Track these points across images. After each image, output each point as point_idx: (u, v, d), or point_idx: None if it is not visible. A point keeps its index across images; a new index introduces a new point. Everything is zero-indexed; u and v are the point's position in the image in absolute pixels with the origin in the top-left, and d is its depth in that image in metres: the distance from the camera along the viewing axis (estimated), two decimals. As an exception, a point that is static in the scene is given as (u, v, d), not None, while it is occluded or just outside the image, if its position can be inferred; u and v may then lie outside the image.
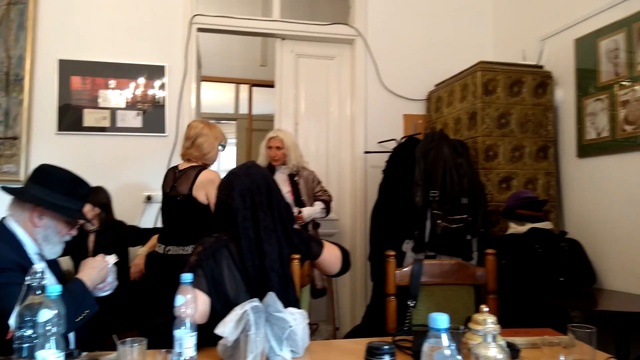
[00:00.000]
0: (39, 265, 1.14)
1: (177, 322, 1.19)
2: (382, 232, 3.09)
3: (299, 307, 1.48)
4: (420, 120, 3.86)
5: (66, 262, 2.61)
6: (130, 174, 3.37)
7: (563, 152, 3.19)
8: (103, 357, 1.29)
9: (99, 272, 1.55)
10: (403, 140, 3.39)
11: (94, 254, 1.83)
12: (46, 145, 3.25)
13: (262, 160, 3.21)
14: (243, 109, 6.40)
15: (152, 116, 3.43)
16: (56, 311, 1.04)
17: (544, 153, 3.16)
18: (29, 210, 1.52)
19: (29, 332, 1.06)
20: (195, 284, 1.36)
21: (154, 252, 2.57)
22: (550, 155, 3.18)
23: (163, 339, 1.21)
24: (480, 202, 2.86)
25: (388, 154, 3.33)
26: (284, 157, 3.19)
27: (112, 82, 3.37)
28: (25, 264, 1.43)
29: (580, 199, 3.05)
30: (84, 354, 1.30)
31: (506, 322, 1.85)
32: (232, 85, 6.33)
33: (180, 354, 1.16)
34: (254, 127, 5.97)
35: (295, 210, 3.07)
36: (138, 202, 3.37)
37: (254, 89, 5.87)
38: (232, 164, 5.97)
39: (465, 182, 2.84)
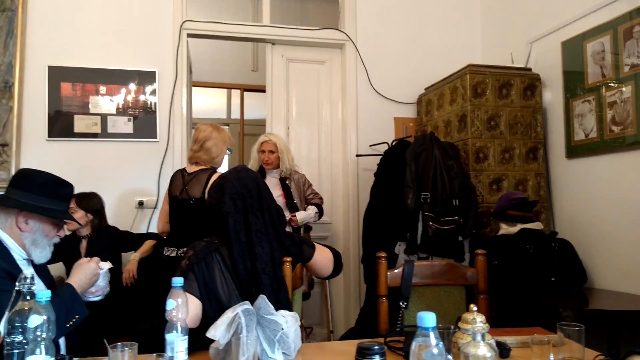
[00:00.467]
0: (28, 271, 1.14)
1: (169, 326, 1.19)
2: (375, 235, 3.10)
3: (291, 310, 1.48)
4: (411, 123, 3.89)
5: (59, 269, 2.61)
6: (122, 180, 3.36)
7: (552, 153, 3.22)
8: (94, 362, 1.29)
9: (90, 277, 1.54)
10: (394, 143, 3.41)
11: None
12: (37, 152, 3.24)
13: (253, 164, 3.22)
14: (235, 114, 6.40)
15: (143, 122, 3.43)
16: (46, 317, 1.04)
17: (534, 154, 3.20)
18: (14, 216, 1.51)
19: (19, 338, 1.06)
20: (186, 287, 1.36)
21: (164, 257, 2.54)
22: (539, 156, 3.21)
23: (155, 343, 1.21)
24: (471, 203, 2.88)
25: (379, 157, 3.35)
26: (277, 161, 3.20)
27: (102, 88, 3.37)
28: (13, 271, 1.42)
29: (570, 199, 3.08)
30: (75, 359, 1.29)
31: (499, 322, 1.87)
32: (224, 91, 6.34)
33: (171, 358, 1.17)
34: (246, 132, 5.98)
35: (289, 214, 3.08)
36: (130, 208, 3.36)
37: (246, 93, 5.88)
38: (225, 169, 5.96)
39: (456, 184, 2.86)
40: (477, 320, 1.16)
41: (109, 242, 2.79)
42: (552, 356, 1.27)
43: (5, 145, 3.20)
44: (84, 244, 2.77)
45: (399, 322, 1.75)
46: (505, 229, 2.81)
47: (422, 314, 0.85)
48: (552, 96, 3.21)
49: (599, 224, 2.83)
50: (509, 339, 1.43)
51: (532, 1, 3.41)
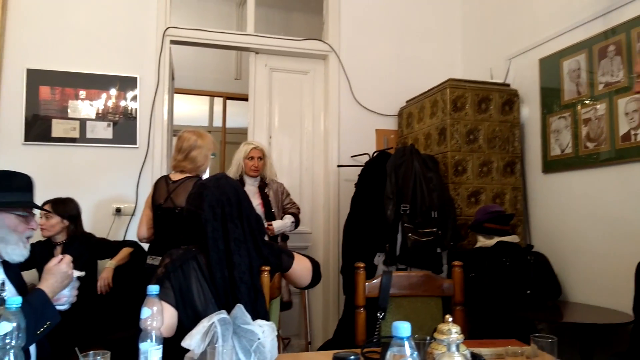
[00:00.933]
0: (-2, 277, 1.11)
1: (143, 335, 1.17)
2: (354, 246, 3.11)
3: (268, 320, 1.47)
4: (392, 135, 3.93)
5: (34, 276, 2.54)
6: (99, 186, 3.31)
7: (529, 168, 3.28)
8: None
9: (62, 280, 1.48)
10: (375, 154, 3.44)
11: None
12: (12, 156, 3.17)
13: (234, 172, 3.20)
14: (217, 122, 6.38)
15: (123, 127, 3.39)
16: (16, 324, 1.02)
17: (511, 168, 3.25)
18: None
19: (-13, 345, 1.03)
20: (162, 296, 1.34)
21: (147, 265, 2.50)
22: (517, 170, 3.27)
23: (129, 353, 1.19)
24: (450, 215, 2.91)
25: (360, 168, 3.37)
26: (263, 167, 3.21)
27: (82, 93, 3.32)
28: None
29: (545, 213, 3.13)
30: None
31: (475, 334, 1.88)
32: (207, 98, 6.32)
33: (145, 368, 1.15)
34: (228, 140, 5.96)
35: (265, 223, 3.07)
36: (107, 215, 3.31)
37: (228, 102, 5.87)
38: (206, 176, 5.92)
39: (435, 196, 2.89)
40: (452, 331, 1.17)
41: (84, 249, 2.74)
42: (525, 367, 1.29)
43: (-21, 148, 3.13)
44: (58, 250, 2.71)
45: (376, 333, 1.75)
46: (482, 241, 2.85)
47: (397, 323, 0.85)
48: (530, 112, 3.29)
49: (573, 238, 2.89)
50: (484, 351, 1.44)
51: (512, 19, 3.49)
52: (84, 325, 2.41)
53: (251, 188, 3.17)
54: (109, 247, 2.86)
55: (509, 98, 3.29)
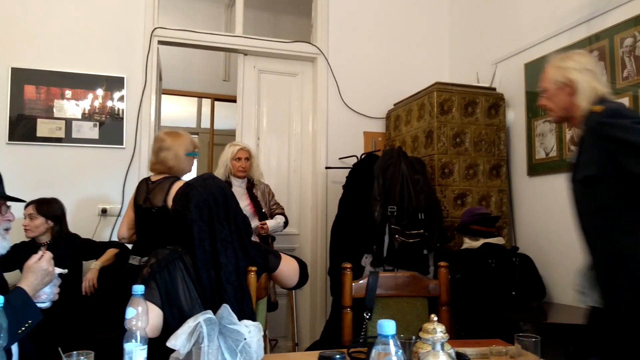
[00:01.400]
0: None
1: (127, 335, 1.16)
2: (342, 247, 3.12)
3: (254, 320, 1.47)
4: (380, 137, 3.95)
5: (17, 278, 2.51)
6: (85, 186, 3.28)
7: (514, 171, 3.32)
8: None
9: (42, 277, 1.44)
10: (363, 156, 3.45)
11: None
12: (-5, 156, 3.13)
13: (222, 173, 3.19)
14: (205, 124, 6.36)
15: (110, 128, 3.36)
16: (-4, 323, 1.01)
17: (497, 171, 3.29)
18: None
19: (-32, 346, 1.01)
20: (147, 296, 1.33)
21: (129, 265, 2.49)
22: (502, 173, 3.31)
23: (114, 353, 1.18)
24: (437, 217, 2.93)
25: (348, 170, 3.38)
26: (250, 168, 3.21)
27: (68, 92, 3.29)
28: None
29: (530, 215, 3.17)
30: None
31: (461, 334, 1.90)
32: (195, 99, 6.29)
33: (130, 368, 1.14)
34: (216, 141, 5.94)
35: (258, 223, 3.07)
36: (93, 215, 3.27)
37: (216, 103, 5.85)
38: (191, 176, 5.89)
39: (422, 198, 2.92)
40: (437, 330, 1.18)
41: (69, 249, 2.71)
42: (509, 366, 1.31)
43: (-39, 147, 3.08)
44: (43, 251, 2.68)
45: (362, 333, 1.76)
46: (468, 243, 2.88)
47: (382, 321, 0.86)
48: (515, 115, 3.33)
49: (557, 240, 2.93)
50: (468, 350, 1.46)
51: (498, 24, 3.54)
52: (67, 325, 2.39)
53: (239, 189, 3.17)
54: (94, 248, 2.83)
55: (495, 102, 3.33)
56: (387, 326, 0.86)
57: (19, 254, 2.48)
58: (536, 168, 3.11)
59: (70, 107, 3.29)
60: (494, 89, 3.41)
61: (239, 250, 1.56)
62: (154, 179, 2.51)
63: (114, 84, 3.38)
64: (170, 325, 1.38)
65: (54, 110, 3.26)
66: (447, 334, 1.20)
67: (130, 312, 1.17)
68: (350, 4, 4.00)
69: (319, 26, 3.94)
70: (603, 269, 1.64)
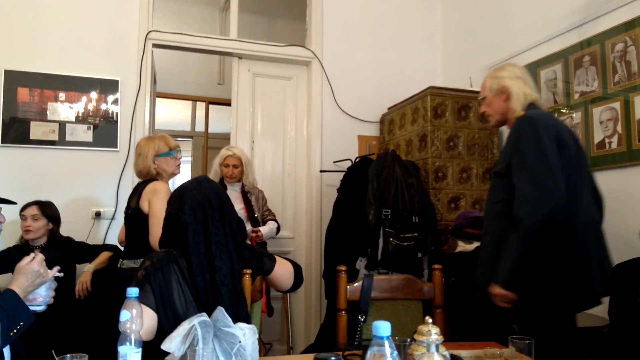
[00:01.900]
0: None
1: (122, 337, 1.16)
2: (337, 250, 3.12)
3: (249, 323, 1.47)
4: (374, 141, 3.96)
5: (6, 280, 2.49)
6: (78, 189, 3.26)
7: (508, 174, 3.34)
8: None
9: (33, 279, 1.42)
10: (357, 160, 3.46)
11: None
12: (-12, 159, 3.11)
13: (213, 176, 3.20)
14: (199, 127, 6.34)
15: (104, 131, 3.35)
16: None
17: (490, 175, 3.30)
18: None
19: (-40, 349, 1.00)
20: (141, 299, 1.33)
21: (117, 268, 2.50)
22: (496, 176, 3.32)
23: (108, 356, 1.18)
24: (431, 220, 2.95)
25: (343, 173, 3.39)
26: (240, 175, 3.20)
27: (62, 95, 3.28)
28: None
29: (523, 218, 3.18)
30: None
31: (455, 337, 1.91)
32: (189, 103, 6.28)
33: (124, 371, 1.13)
34: (210, 145, 5.93)
35: (250, 228, 3.07)
36: (86, 219, 3.26)
37: (211, 106, 5.84)
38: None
39: (416, 201, 2.93)
40: (432, 332, 1.19)
41: (63, 252, 2.70)
42: (503, 368, 1.31)
43: (-47, 150, 3.06)
44: (35, 253, 2.66)
45: (357, 336, 1.76)
46: (462, 246, 2.88)
47: (377, 323, 0.86)
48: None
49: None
50: (463, 353, 1.46)
51: (490, 29, 3.57)
52: (61, 328, 2.37)
53: (234, 193, 3.17)
54: (87, 251, 2.82)
55: (489, 106, 3.35)
56: (382, 327, 0.86)
57: (13, 257, 2.46)
58: (529, 172, 3.13)
59: (64, 109, 3.28)
60: (490, 93, 3.43)
61: (234, 253, 1.56)
62: (138, 183, 2.54)
63: (108, 86, 3.38)
64: (165, 328, 1.38)
65: (48, 113, 3.25)
66: (441, 336, 1.20)
67: (124, 315, 1.17)
68: (345, 9, 4.02)
69: (313, 30, 3.95)
70: (491, 246, 1.93)
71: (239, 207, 3.09)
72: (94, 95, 3.34)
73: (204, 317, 1.29)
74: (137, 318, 1.17)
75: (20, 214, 2.68)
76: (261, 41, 3.89)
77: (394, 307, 1.86)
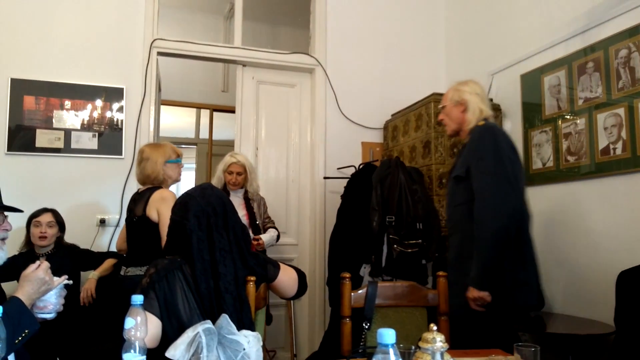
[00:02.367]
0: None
1: (126, 345, 1.16)
2: (341, 257, 3.12)
3: (253, 330, 1.47)
4: (378, 148, 3.96)
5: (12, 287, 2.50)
6: (83, 197, 3.28)
7: (512, 181, 3.33)
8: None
9: (38, 286, 1.42)
10: (361, 166, 3.47)
11: None
12: (-6, 166, 3.13)
13: (216, 183, 3.21)
14: (204, 134, 6.37)
15: (109, 138, 3.37)
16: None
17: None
18: None
19: (-34, 356, 1.01)
20: (146, 306, 1.33)
21: (119, 276, 2.50)
22: (500, 183, 3.31)
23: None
24: (435, 227, 2.94)
25: (347, 180, 3.39)
26: (243, 182, 3.21)
27: (67, 103, 3.30)
28: None
29: (528, 225, 3.17)
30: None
31: (459, 344, 1.89)
32: (193, 110, 6.32)
33: (128, 379, 1.13)
34: (214, 152, 5.95)
35: (253, 237, 3.07)
36: (91, 226, 3.27)
37: (215, 114, 5.87)
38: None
39: (420, 208, 2.92)
40: (436, 340, 1.18)
41: (68, 260, 2.72)
42: (508, 376, 1.30)
43: (-40, 158, 3.08)
44: (41, 261, 2.68)
45: (361, 343, 1.75)
46: (466, 253, 2.88)
47: (382, 330, 0.86)
48: (512, 126, 3.35)
49: (555, 249, 2.93)
50: (468, 360, 1.46)
51: (494, 35, 3.58)
52: (66, 336, 2.38)
53: (236, 199, 3.17)
54: (92, 258, 2.84)
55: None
56: (387, 335, 0.86)
57: (19, 264, 2.47)
58: (533, 178, 3.12)
59: (69, 117, 3.30)
60: (491, 100, 3.42)
61: (238, 260, 1.55)
62: (140, 190, 2.54)
63: (113, 94, 3.40)
64: (169, 335, 1.38)
65: (53, 120, 3.27)
66: (446, 344, 1.20)
67: (129, 322, 1.16)
68: (348, 16, 4.04)
69: (317, 38, 3.97)
70: (457, 249, 2.10)
71: (241, 213, 3.09)
72: (99, 103, 3.37)
73: (208, 324, 1.29)
74: (141, 325, 1.17)
75: (34, 221, 2.71)
76: (265, 49, 3.91)
77: (399, 314, 1.85)
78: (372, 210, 2.90)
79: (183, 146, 6.40)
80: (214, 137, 5.98)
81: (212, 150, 5.96)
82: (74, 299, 2.59)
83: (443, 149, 3.20)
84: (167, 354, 1.24)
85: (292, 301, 3.53)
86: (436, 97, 3.25)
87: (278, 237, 3.29)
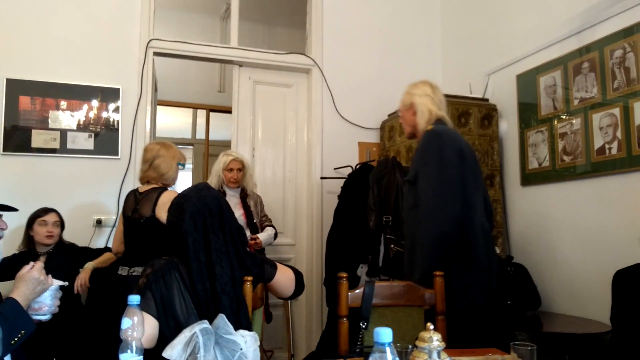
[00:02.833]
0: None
1: (123, 345, 1.16)
2: (338, 257, 3.12)
3: (251, 330, 1.46)
4: (375, 148, 3.97)
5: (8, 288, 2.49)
6: (80, 197, 3.27)
7: (508, 181, 3.35)
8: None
9: (34, 287, 1.41)
10: (358, 167, 3.47)
11: None
12: (-11, 167, 3.12)
13: (215, 183, 3.19)
14: (200, 134, 6.36)
15: (105, 138, 3.36)
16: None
17: (491, 181, 3.31)
18: None
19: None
20: (143, 306, 1.33)
21: (117, 275, 2.48)
22: (496, 183, 3.33)
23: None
24: (431, 227, 2.94)
25: (343, 180, 3.39)
26: (242, 178, 3.21)
27: (63, 103, 3.29)
28: None
29: (524, 225, 3.19)
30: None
31: (456, 344, 1.90)
32: (190, 110, 6.30)
33: (125, 379, 1.13)
34: (211, 152, 5.94)
35: (249, 235, 3.07)
36: (87, 226, 3.26)
37: (212, 114, 5.86)
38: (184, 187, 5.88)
39: (417, 208, 2.92)
40: (433, 339, 1.18)
41: (67, 258, 2.73)
42: (505, 375, 1.31)
43: (-45, 158, 3.07)
44: (41, 260, 2.67)
45: (359, 343, 1.75)
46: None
47: (379, 329, 0.86)
48: (508, 126, 3.36)
49: (551, 249, 2.94)
50: (465, 359, 1.46)
51: (490, 36, 3.59)
52: (63, 336, 2.37)
53: (233, 199, 3.17)
54: (91, 255, 2.84)
55: (488, 112, 3.36)
56: (384, 334, 0.86)
57: (20, 263, 2.46)
58: (529, 178, 3.14)
59: (65, 118, 3.29)
60: (487, 100, 3.45)
61: (234, 261, 1.55)
62: (142, 190, 2.53)
63: (109, 95, 3.39)
64: (166, 335, 1.38)
65: (49, 121, 3.26)
66: (443, 343, 1.20)
67: (125, 323, 1.16)
68: (344, 16, 4.04)
69: (313, 38, 3.97)
70: (409, 252, 2.10)
71: (238, 213, 3.08)
72: (95, 103, 3.36)
73: (205, 324, 1.29)
74: (138, 326, 1.17)
75: (39, 220, 2.72)
76: (262, 49, 3.91)
77: (396, 313, 1.86)
78: (369, 210, 2.90)
79: (180, 146, 6.36)
80: (211, 138, 5.97)
81: (208, 151, 5.95)
82: (72, 299, 2.58)
83: (439, 149, 3.21)
84: (164, 354, 1.23)
85: (289, 301, 3.53)
86: (433, 97, 3.25)
87: (275, 235, 3.28)
